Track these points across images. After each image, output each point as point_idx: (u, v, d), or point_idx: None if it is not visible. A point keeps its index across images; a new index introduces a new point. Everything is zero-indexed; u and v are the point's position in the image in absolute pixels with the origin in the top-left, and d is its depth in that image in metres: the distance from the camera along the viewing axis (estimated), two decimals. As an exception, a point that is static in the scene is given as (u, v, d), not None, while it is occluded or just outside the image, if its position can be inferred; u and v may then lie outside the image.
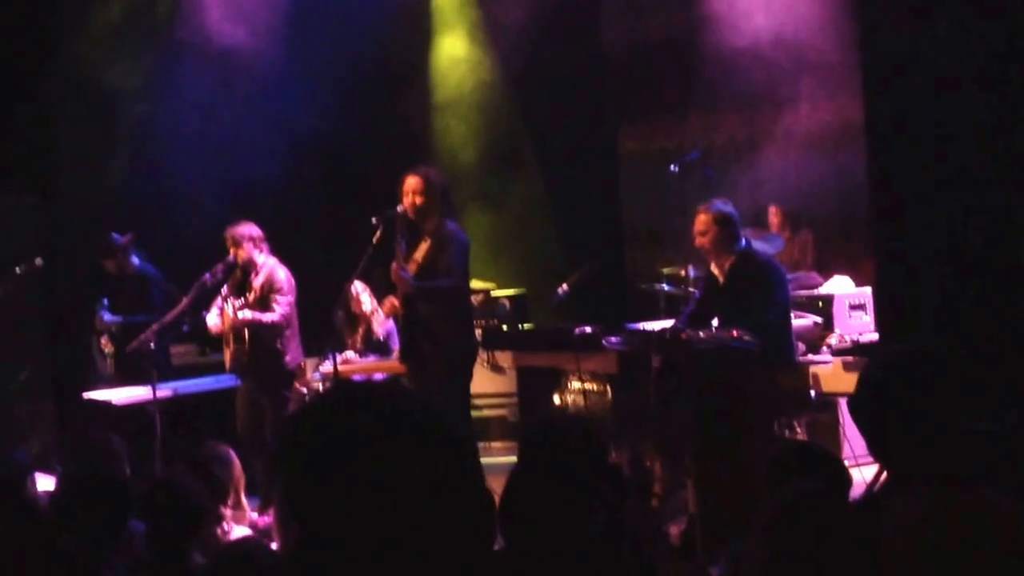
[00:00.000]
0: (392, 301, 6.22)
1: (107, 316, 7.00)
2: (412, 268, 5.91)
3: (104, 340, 7.06)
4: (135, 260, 7.13)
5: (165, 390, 6.10)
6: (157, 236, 7.79)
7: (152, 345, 6.16)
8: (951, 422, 2.30)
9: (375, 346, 7.61)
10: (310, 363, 7.30)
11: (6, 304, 7.29)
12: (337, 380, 6.31)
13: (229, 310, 6.41)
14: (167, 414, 6.08)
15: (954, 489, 2.26)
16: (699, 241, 5.70)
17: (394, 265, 5.85)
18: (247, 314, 6.39)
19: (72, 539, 3.01)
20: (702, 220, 5.67)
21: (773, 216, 7.86)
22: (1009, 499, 2.25)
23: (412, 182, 5.92)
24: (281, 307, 6.45)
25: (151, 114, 8.24)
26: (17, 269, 7.22)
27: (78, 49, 8.18)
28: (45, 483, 4.49)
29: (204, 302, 6.56)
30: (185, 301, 6.39)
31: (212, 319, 6.50)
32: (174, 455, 5.67)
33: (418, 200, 5.88)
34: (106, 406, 6.19)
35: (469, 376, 6.01)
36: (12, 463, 4.00)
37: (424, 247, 5.92)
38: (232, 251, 6.48)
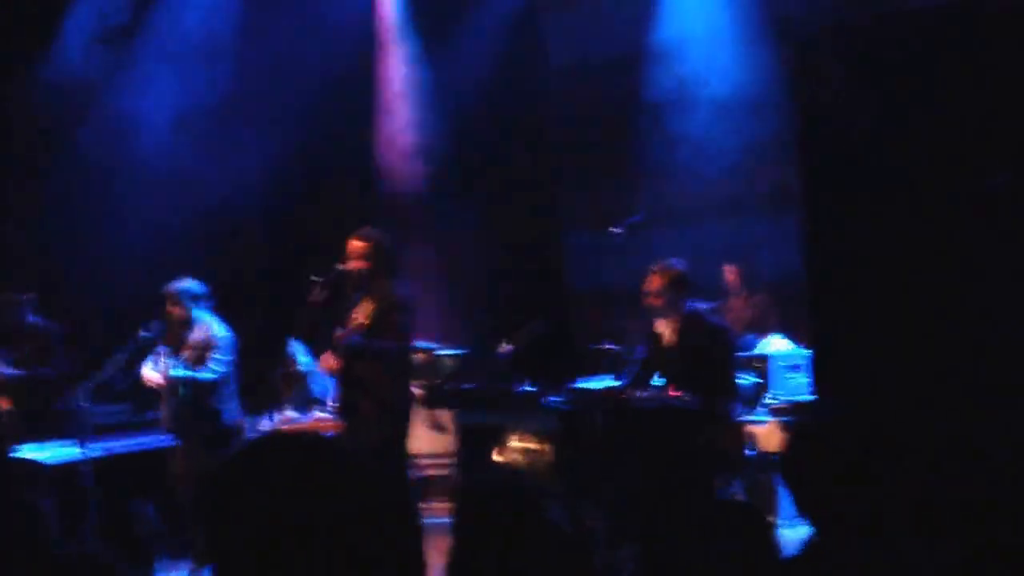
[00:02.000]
0: (327, 358, 6.18)
1: (6, 370, 6.92)
2: (355, 328, 5.88)
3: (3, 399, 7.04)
4: (31, 317, 7.17)
5: (97, 449, 5.96)
6: (93, 292, 7.70)
7: (82, 403, 6.03)
8: (877, 482, 2.33)
9: (311, 404, 7.54)
10: (249, 422, 7.20)
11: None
12: (266, 433, 6.22)
13: (163, 367, 6.31)
14: (99, 474, 5.93)
15: (882, 547, 2.28)
16: (650, 300, 5.68)
17: (338, 333, 5.83)
18: (181, 371, 6.28)
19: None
20: (655, 280, 5.66)
21: (729, 275, 7.89)
22: (936, 554, 2.27)
23: (357, 247, 5.91)
24: (217, 365, 6.37)
25: (88, 171, 8.19)
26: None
27: (17, 91, 8.13)
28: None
29: (140, 359, 6.45)
30: (120, 358, 6.28)
31: (148, 370, 6.37)
32: (106, 516, 5.54)
33: (364, 265, 5.87)
34: (35, 465, 6.03)
35: (406, 434, 5.97)
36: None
37: (368, 308, 5.89)
38: (169, 307, 6.40)
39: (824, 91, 5.11)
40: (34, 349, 7.06)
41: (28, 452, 6.20)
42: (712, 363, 5.48)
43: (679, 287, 5.64)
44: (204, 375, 6.33)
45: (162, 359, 6.34)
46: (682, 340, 5.62)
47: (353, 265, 5.87)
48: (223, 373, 6.41)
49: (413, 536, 1.42)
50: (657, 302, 5.65)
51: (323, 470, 1.39)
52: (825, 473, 2.35)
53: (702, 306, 5.91)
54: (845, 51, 5.09)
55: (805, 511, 2.44)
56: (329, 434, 6.69)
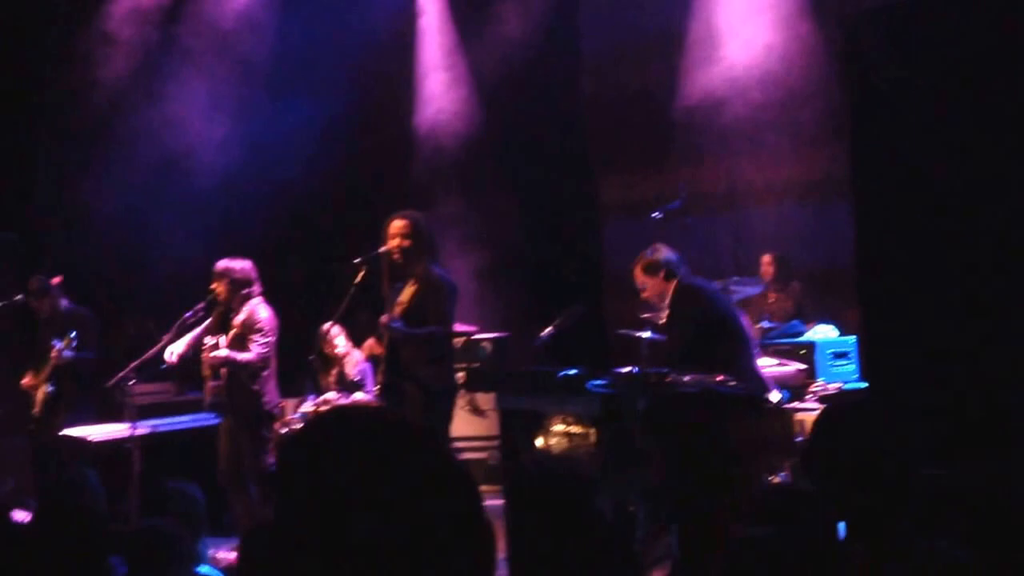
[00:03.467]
0: (372, 344, 6.17)
1: (68, 353, 7.00)
2: (397, 311, 5.88)
3: (28, 378, 7.12)
4: (64, 302, 7.33)
5: (143, 427, 6.01)
6: (136, 274, 7.76)
7: (132, 382, 6.08)
8: (902, 472, 2.28)
9: (349, 386, 7.57)
10: (290, 404, 7.24)
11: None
12: (337, 406, 6.23)
13: (209, 347, 6.33)
14: (143, 452, 5.98)
15: (906, 540, 2.24)
16: (643, 297, 5.64)
17: (384, 318, 5.81)
18: (222, 352, 6.28)
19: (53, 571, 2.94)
20: (636, 276, 5.55)
21: (767, 265, 7.83)
22: (959, 551, 2.23)
23: (399, 225, 5.90)
24: (258, 347, 6.34)
25: (132, 152, 8.23)
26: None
27: (58, 88, 8.19)
28: (21, 519, 4.40)
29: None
30: (165, 339, 6.32)
31: (175, 348, 6.37)
32: (149, 493, 5.59)
33: (405, 243, 5.85)
34: (82, 443, 6.09)
35: (449, 418, 5.98)
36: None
37: (410, 291, 5.89)
38: (215, 286, 6.41)
39: (874, 74, 5.05)
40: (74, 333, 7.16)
41: (74, 431, 6.27)
42: (677, 335, 5.39)
43: (655, 274, 5.52)
44: (242, 356, 6.31)
45: (204, 339, 6.37)
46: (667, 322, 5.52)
47: (394, 244, 5.85)
48: (263, 355, 6.41)
49: (480, 508, 1.41)
50: (647, 295, 5.59)
51: (391, 442, 1.37)
52: (848, 464, 2.31)
53: (693, 279, 5.66)
54: (895, 32, 5.02)
55: (828, 503, 2.40)
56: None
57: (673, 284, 5.49)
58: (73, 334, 7.02)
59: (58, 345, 7.04)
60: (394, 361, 5.90)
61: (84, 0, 8.37)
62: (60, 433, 6.45)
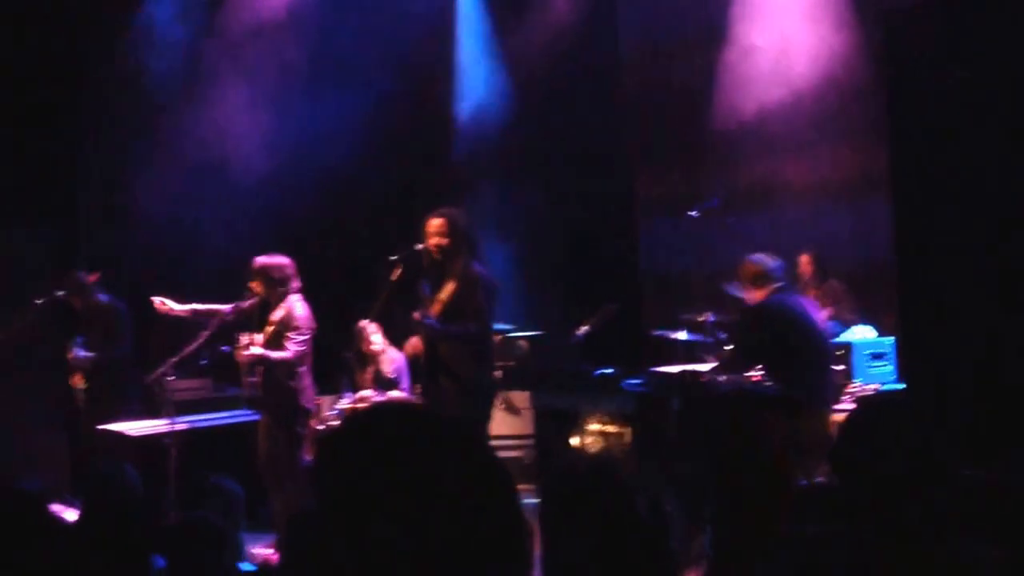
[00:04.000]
0: (416, 343, 6.18)
1: (80, 352, 7.08)
2: (436, 308, 5.86)
3: (77, 377, 7.20)
4: (102, 297, 7.36)
5: (181, 423, 6.07)
6: (177, 270, 7.83)
7: (171, 378, 6.13)
8: (929, 472, 2.26)
9: (384, 384, 7.59)
10: (326, 401, 7.28)
11: (24, 335, 7.37)
12: (376, 403, 6.25)
13: (242, 345, 6.35)
14: (181, 447, 6.03)
15: (938, 540, 2.22)
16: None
17: (416, 314, 5.81)
18: (256, 351, 6.28)
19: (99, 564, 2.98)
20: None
21: (805, 265, 7.75)
22: (989, 551, 2.21)
23: (436, 223, 5.88)
24: (294, 344, 6.33)
25: (172, 149, 8.31)
26: (38, 300, 7.29)
27: (103, 84, 8.27)
28: (59, 513, 4.46)
29: (224, 336, 6.52)
30: (204, 335, 6.35)
31: (170, 303, 6.40)
32: (189, 488, 5.64)
33: (443, 241, 5.84)
34: (120, 438, 6.16)
35: (489, 415, 5.97)
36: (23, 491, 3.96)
37: (449, 288, 5.87)
38: (253, 284, 6.43)
39: (916, 71, 5.00)
40: (106, 328, 7.21)
41: (112, 426, 6.33)
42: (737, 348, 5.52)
43: (743, 283, 5.67)
44: (276, 355, 6.31)
45: (241, 339, 6.39)
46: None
47: (432, 242, 5.85)
48: (299, 352, 6.41)
49: (519, 507, 1.42)
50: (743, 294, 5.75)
51: (429, 439, 1.38)
52: (877, 463, 2.28)
53: (778, 296, 5.76)
54: (935, 30, 4.97)
55: (860, 504, 2.38)
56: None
57: (759, 295, 5.61)
58: (79, 340, 7.12)
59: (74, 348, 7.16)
60: (433, 358, 5.90)
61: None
62: (98, 428, 6.51)
